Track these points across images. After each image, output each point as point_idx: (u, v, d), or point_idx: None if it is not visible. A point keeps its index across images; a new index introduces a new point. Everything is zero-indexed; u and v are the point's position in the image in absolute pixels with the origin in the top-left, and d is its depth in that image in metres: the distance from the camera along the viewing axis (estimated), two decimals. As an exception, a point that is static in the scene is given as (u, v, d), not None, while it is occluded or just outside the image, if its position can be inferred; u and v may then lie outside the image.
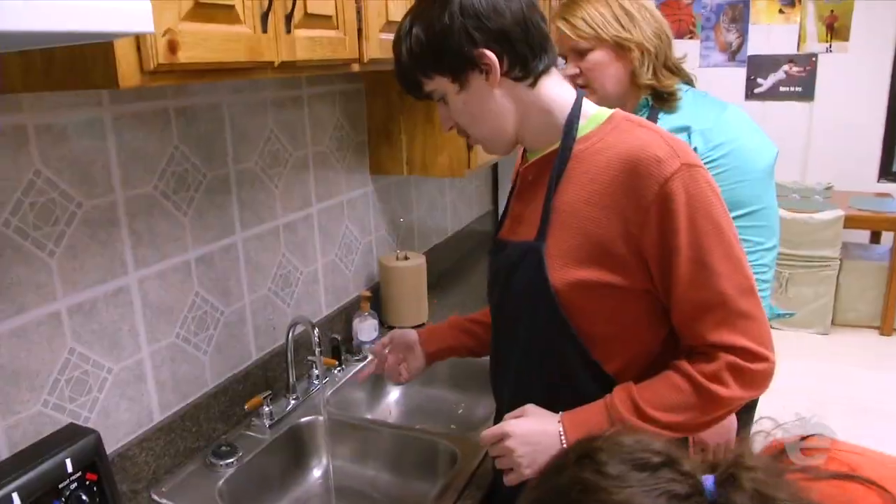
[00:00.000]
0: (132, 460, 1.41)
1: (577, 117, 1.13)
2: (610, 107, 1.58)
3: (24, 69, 1.01)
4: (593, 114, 1.14)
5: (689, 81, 1.66)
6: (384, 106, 2.14)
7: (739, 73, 5.33)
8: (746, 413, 1.85)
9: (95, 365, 1.34)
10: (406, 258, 2.22)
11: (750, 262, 1.51)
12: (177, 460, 1.52)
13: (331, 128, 2.01)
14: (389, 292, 2.21)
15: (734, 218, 1.49)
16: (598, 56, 1.55)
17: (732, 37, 5.31)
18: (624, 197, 1.05)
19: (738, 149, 1.51)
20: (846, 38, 5.05)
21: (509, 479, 1.14)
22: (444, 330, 1.47)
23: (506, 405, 1.29)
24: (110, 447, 1.38)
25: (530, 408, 1.17)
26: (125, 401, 1.41)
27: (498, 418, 1.30)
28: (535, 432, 1.11)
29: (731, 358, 1.05)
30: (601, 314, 1.11)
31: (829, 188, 5.15)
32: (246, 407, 1.63)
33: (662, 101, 1.57)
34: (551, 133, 1.15)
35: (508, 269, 1.19)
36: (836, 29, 5.04)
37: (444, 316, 2.32)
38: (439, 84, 1.13)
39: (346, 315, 2.12)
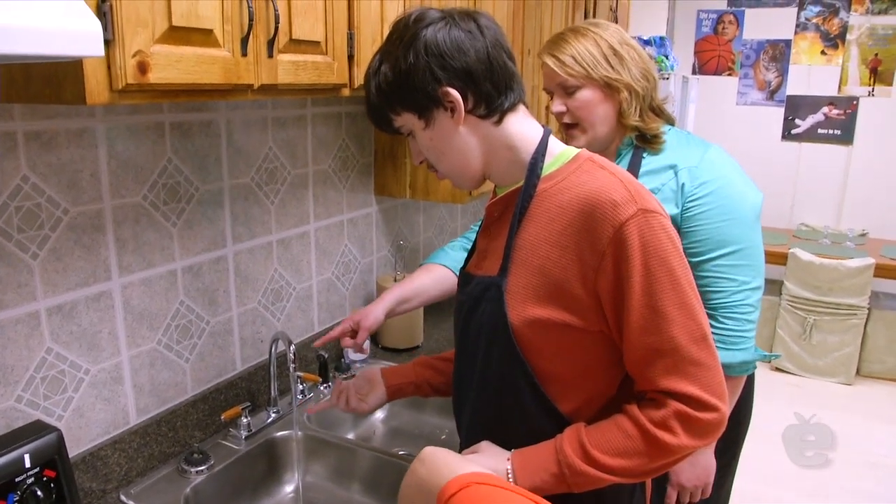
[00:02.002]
0: (104, 460, 1.46)
1: (543, 155, 1.13)
2: (598, 146, 1.60)
3: (8, 82, 1.06)
4: (559, 152, 1.15)
5: (671, 122, 1.65)
6: (391, 129, 2.17)
7: (777, 113, 5.28)
8: (731, 457, 1.83)
9: (72, 365, 1.39)
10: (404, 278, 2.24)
11: (736, 301, 1.52)
12: (150, 463, 1.56)
13: (335, 148, 2.05)
14: (385, 313, 2.23)
15: (719, 257, 1.51)
16: (586, 95, 1.54)
17: (772, 76, 5.25)
18: (581, 239, 1.05)
19: (725, 186, 1.50)
20: (889, 83, 4.97)
21: None
22: (408, 367, 1.48)
23: (463, 437, 1.30)
24: (83, 446, 1.43)
25: (484, 445, 1.18)
26: (101, 402, 1.45)
27: (459, 450, 1.31)
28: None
29: (680, 406, 1.05)
30: (557, 354, 1.12)
31: (863, 235, 5.04)
32: (223, 417, 1.66)
33: (646, 142, 1.57)
34: (517, 170, 1.15)
35: (471, 303, 1.20)
36: (879, 73, 4.96)
37: (438, 339, 2.34)
38: (407, 120, 1.15)
39: (339, 332, 2.15)
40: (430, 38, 1.07)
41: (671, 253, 1.05)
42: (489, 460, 1.13)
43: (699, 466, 1.65)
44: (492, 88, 1.10)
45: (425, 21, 1.09)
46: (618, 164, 1.59)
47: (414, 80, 1.09)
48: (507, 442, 1.16)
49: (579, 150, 1.16)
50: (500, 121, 1.13)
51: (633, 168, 1.57)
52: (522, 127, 1.15)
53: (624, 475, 1.07)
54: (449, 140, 1.14)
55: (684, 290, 1.05)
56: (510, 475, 1.10)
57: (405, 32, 1.10)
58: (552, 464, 1.09)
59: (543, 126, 1.18)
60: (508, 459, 1.12)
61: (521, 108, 1.17)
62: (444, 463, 0.98)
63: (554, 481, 1.08)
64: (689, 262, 1.54)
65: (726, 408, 1.07)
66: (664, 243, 1.04)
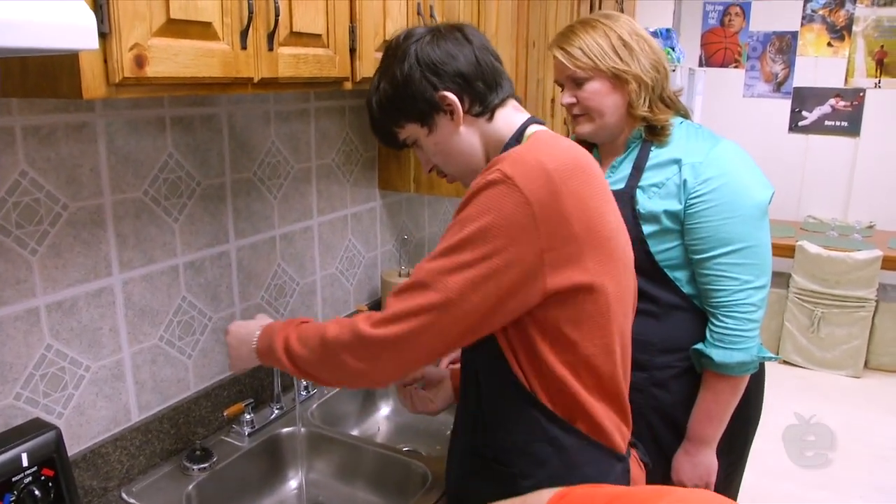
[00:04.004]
0: (105, 458, 1.44)
1: (517, 140, 1.17)
2: (606, 134, 1.59)
3: (4, 75, 1.05)
4: (527, 135, 1.18)
5: (685, 114, 1.64)
6: (395, 123, 2.15)
7: (784, 105, 5.23)
8: (739, 456, 1.80)
9: (73, 362, 1.37)
10: (408, 275, 2.23)
11: (737, 300, 1.51)
12: (152, 461, 1.55)
13: (339, 142, 2.03)
14: (389, 308, 2.21)
15: (721, 255, 1.50)
16: (595, 86, 1.54)
17: (778, 68, 5.21)
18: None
19: (728, 184, 1.49)
20: (896, 75, 4.92)
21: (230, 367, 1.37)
22: None
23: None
24: (83, 444, 1.42)
25: (260, 315, 1.36)
26: (102, 399, 1.44)
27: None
28: (241, 334, 1.30)
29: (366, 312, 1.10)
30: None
31: (870, 227, 5.01)
32: (225, 413, 1.65)
33: (654, 134, 1.56)
34: None
35: None
36: (885, 65, 4.91)
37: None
38: (411, 131, 1.21)
39: (343, 328, 2.13)
40: (421, 50, 1.15)
41: (485, 218, 1.01)
42: (250, 326, 1.30)
43: (700, 465, 1.64)
44: (484, 87, 1.17)
45: (414, 37, 1.17)
46: (627, 157, 1.60)
47: (412, 89, 1.15)
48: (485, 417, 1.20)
49: (539, 128, 1.19)
50: (491, 117, 1.19)
51: (641, 161, 1.56)
52: (512, 120, 1.20)
53: (296, 362, 1.16)
54: (452, 142, 1.20)
55: (462, 247, 1.02)
56: (254, 340, 1.27)
57: (397, 50, 1.18)
58: (275, 333, 1.22)
59: (531, 116, 1.22)
60: (261, 327, 1.27)
61: (511, 102, 1.22)
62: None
63: (267, 350, 1.23)
64: (692, 259, 1.54)
65: (373, 334, 1.06)
66: (496, 206, 1.00)
